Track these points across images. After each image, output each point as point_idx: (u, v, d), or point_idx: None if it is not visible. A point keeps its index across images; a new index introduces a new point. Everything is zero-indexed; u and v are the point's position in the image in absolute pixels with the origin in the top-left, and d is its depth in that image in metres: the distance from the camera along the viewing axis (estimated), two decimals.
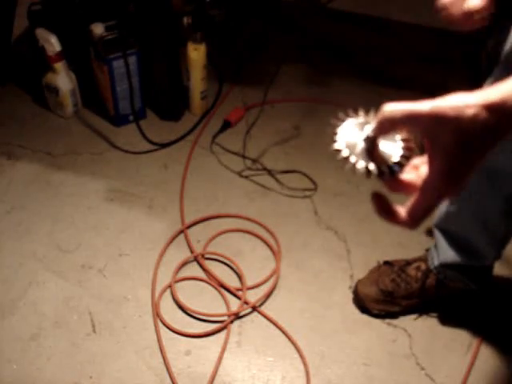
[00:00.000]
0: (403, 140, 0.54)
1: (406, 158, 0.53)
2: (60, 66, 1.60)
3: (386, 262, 1.28)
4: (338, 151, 0.54)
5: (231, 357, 1.19)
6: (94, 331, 1.21)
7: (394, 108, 0.49)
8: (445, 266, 1.19)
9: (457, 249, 1.15)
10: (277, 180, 1.55)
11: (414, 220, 0.51)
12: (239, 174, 1.56)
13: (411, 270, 1.23)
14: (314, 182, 1.55)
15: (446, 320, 1.26)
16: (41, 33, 1.55)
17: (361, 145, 0.54)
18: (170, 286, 1.29)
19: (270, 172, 1.57)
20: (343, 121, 0.56)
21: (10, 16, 1.71)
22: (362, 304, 1.27)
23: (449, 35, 2.05)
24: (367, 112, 0.56)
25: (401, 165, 0.52)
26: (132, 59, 1.55)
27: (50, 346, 1.18)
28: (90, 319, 1.23)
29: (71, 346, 1.19)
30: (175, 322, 1.23)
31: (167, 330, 1.22)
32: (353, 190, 1.54)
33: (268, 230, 1.43)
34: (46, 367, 1.15)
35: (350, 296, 1.30)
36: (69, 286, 1.29)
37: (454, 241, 1.16)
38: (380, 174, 0.52)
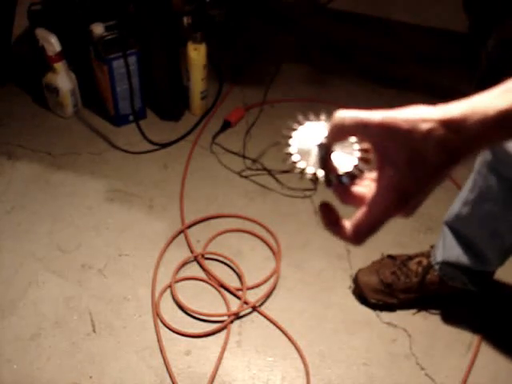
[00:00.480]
0: (361, 150, 0.50)
1: (360, 169, 0.49)
2: (60, 66, 1.60)
3: (390, 256, 1.29)
4: (289, 155, 0.51)
5: (231, 357, 1.19)
6: (94, 331, 1.21)
7: (344, 115, 0.45)
8: (447, 264, 1.19)
9: (463, 249, 1.16)
10: (277, 180, 1.55)
11: (358, 236, 0.47)
12: (239, 173, 1.56)
13: (412, 265, 1.25)
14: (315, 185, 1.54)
15: (446, 320, 1.26)
16: (41, 33, 1.55)
17: (313, 151, 0.51)
18: (169, 286, 1.29)
19: (269, 172, 1.57)
20: (301, 124, 0.52)
21: (10, 16, 1.71)
22: (360, 292, 1.28)
23: (449, 35, 2.05)
24: (328, 116, 0.52)
25: (353, 176, 0.49)
26: (132, 59, 1.55)
27: (49, 345, 1.18)
28: (89, 319, 1.23)
29: (71, 345, 1.19)
30: (175, 322, 1.23)
31: (167, 330, 1.22)
32: None
33: (268, 230, 1.43)
34: (46, 367, 1.15)
35: (350, 296, 1.30)
36: (69, 286, 1.29)
37: (461, 241, 1.16)
38: (327, 182, 0.49)
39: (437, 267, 1.21)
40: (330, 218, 0.50)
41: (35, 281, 1.29)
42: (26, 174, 1.53)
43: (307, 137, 0.51)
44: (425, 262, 1.24)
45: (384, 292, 1.25)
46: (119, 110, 1.64)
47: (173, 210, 1.46)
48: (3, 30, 1.71)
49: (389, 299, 1.26)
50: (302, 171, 0.50)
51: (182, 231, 1.41)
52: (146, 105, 1.70)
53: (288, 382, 1.16)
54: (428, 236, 1.41)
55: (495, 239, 1.10)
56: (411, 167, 0.42)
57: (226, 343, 1.20)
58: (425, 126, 0.41)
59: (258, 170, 1.57)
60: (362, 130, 0.44)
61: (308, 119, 0.53)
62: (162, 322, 1.23)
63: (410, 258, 1.26)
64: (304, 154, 0.51)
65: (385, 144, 0.43)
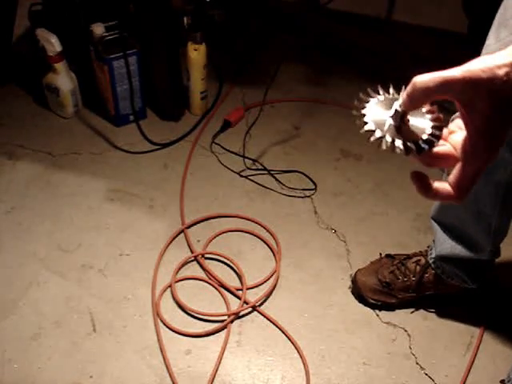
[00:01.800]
0: (431, 115, 0.52)
1: (436, 135, 0.51)
2: (60, 66, 1.60)
3: (388, 255, 1.30)
4: (365, 125, 0.51)
5: (231, 356, 1.19)
6: (95, 331, 1.21)
7: (426, 78, 0.47)
8: (442, 259, 1.20)
9: (453, 240, 1.16)
10: (277, 180, 1.55)
11: (463, 191, 0.50)
12: (239, 173, 1.57)
13: (411, 264, 1.25)
14: (313, 182, 1.55)
15: (446, 319, 1.27)
16: (41, 33, 1.55)
17: (389, 121, 0.51)
18: (170, 286, 1.30)
19: (269, 172, 1.57)
20: (371, 97, 0.54)
21: (10, 16, 1.71)
22: (359, 292, 1.28)
23: (449, 35, 2.05)
24: (396, 89, 0.54)
25: (430, 142, 0.50)
26: (132, 59, 1.55)
27: (50, 345, 1.18)
28: (90, 319, 1.23)
29: (71, 345, 1.19)
30: (175, 322, 1.23)
31: (167, 330, 1.22)
32: (353, 189, 1.54)
33: (268, 230, 1.43)
34: (46, 367, 1.15)
35: (350, 296, 1.30)
36: (69, 286, 1.29)
37: (450, 232, 1.17)
38: (406, 150, 0.50)
39: (434, 265, 1.22)
40: (424, 185, 0.51)
41: (35, 281, 1.29)
42: (27, 173, 1.53)
43: (378, 109, 0.52)
44: (423, 261, 1.24)
45: (383, 292, 1.26)
46: (119, 109, 1.64)
47: (173, 210, 1.46)
48: (4, 30, 1.71)
49: (388, 299, 1.26)
50: (380, 140, 0.50)
51: (181, 231, 1.41)
52: (146, 105, 1.70)
53: (288, 382, 1.16)
54: (428, 236, 1.41)
55: (481, 220, 1.10)
56: (500, 111, 0.45)
57: (225, 343, 1.20)
58: (502, 71, 0.45)
59: (257, 169, 1.58)
60: (447, 89, 0.47)
61: (376, 92, 0.54)
62: (162, 321, 1.23)
63: (409, 257, 1.27)
64: (378, 123, 0.51)
65: (470, 96, 0.46)
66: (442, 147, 0.52)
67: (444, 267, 1.21)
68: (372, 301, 1.26)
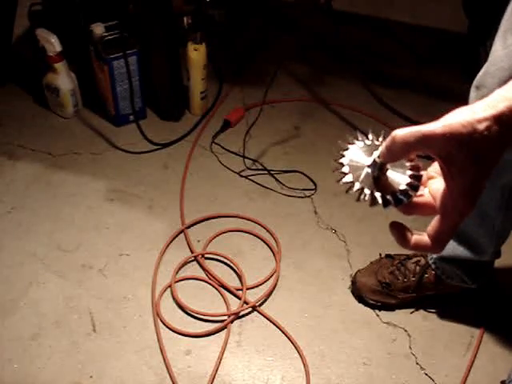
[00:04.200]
0: (410, 163, 0.51)
1: (414, 184, 0.50)
2: (60, 66, 1.60)
3: (388, 255, 1.29)
4: (343, 175, 0.51)
5: (231, 357, 1.19)
6: (95, 331, 1.21)
7: (405, 132, 0.46)
8: (442, 260, 1.20)
9: (455, 241, 1.16)
10: (277, 180, 1.55)
11: (441, 244, 0.50)
12: (239, 173, 1.57)
13: (410, 264, 1.25)
14: (313, 182, 1.55)
15: (446, 320, 1.27)
16: (41, 33, 1.55)
17: (366, 170, 0.51)
18: (170, 286, 1.30)
19: (269, 172, 1.57)
20: (350, 143, 0.53)
21: (10, 16, 1.71)
22: (358, 293, 1.28)
23: (448, 35, 2.05)
24: (376, 135, 0.53)
25: (408, 192, 0.50)
26: (132, 59, 1.55)
27: (50, 345, 1.18)
28: (90, 319, 1.23)
29: (71, 345, 1.19)
30: (175, 322, 1.23)
31: (167, 330, 1.22)
32: None
33: (268, 230, 1.43)
34: (46, 367, 1.15)
35: (350, 296, 1.30)
36: (69, 286, 1.29)
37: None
38: (384, 203, 0.50)
39: (433, 265, 1.22)
40: (404, 238, 0.51)
41: (36, 281, 1.29)
42: (27, 174, 1.53)
43: (357, 156, 0.52)
44: (423, 261, 1.24)
45: (382, 292, 1.26)
46: (119, 109, 1.64)
47: (173, 210, 1.46)
48: (4, 30, 1.71)
49: (387, 299, 1.26)
50: (359, 192, 0.50)
51: (181, 231, 1.41)
52: (146, 105, 1.70)
53: (288, 382, 1.16)
54: None
55: (484, 222, 1.10)
56: (479, 165, 0.45)
57: (225, 343, 1.20)
58: (482, 126, 0.44)
59: (257, 169, 1.58)
60: (427, 144, 0.46)
61: (356, 138, 0.53)
62: (162, 321, 1.23)
63: (408, 257, 1.27)
64: (356, 173, 0.51)
65: (450, 152, 0.45)
66: (420, 198, 0.52)
67: (444, 268, 1.21)
68: (372, 301, 1.27)
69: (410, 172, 0.51)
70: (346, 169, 0.51)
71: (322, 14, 2.11)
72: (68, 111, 1.68)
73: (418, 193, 0.51)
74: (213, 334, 1.22)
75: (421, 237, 0.51)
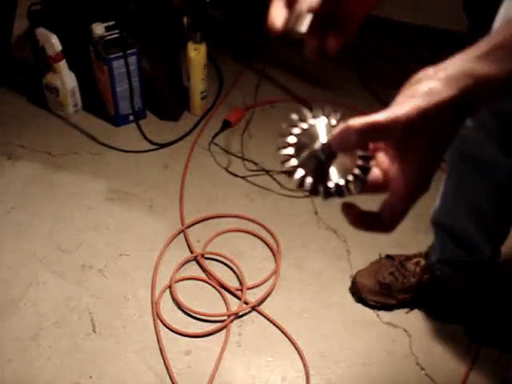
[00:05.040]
0: (361, 157, 0.46)
1: (365, 167, 0.46)
2: (60, 66, 1.60)
3: (388, 256, 1.29)
4: (288, 158, 0.46)
5: (231, 357, 1.19)
6: (94, 331, 1.21)
7: (361, 122, 0.43)
8: (442, 262, 1.20)
9: (453, 243, 1.16)
10: (277, 180, 1.55)
11: (394, 224, 0.47)
12: (239, 173, 1.56)
13: (410, 265, 1.25)
14: None
15: (446, 320, 1.26)
16: (41, 33, 1.55)
17: (313, 154, 0.46)
18: (169, 286, 1.29)
19: (269, 172, 1.57)
20: (302, 120, 0.48)
21: (10, 16, 1.71)
22: (358, 294, 1.28)
23: (449, 35, 2.05)
24: (334, 113, 0.48)
25: (360, 177, 0.46)
26: (132, 59, 1.55)
27: (50, 345, 1.18)
28: (90, 319, 1.23)
29: (71, 345, 1.19)
30: (175, 322, 1.23)
31: (167, 330, 1.22)
32: None
33: (268, 230, 1.43)
34: (46, 367, 1.15)
35: (350, 296, 1.30)
36: (69, 286, 1.29)
37: (450, 235, 1.17)
38: (326, 194, 0.46)
39: (433, 267, 1.22)
40: (355, 215, 0.48)
41: (35, 281, 1.29)
42: (27, 174, 1.53)
43: (306, 137, 0.47)
44: (423, 262, 1.24)
45: (382, 293, 1.25)
46: (119, 109, 1.64)
47: (173, 210, 1.46)
48: (3, 30, 1.71)
49: (387, 300, 1.26)
50: (302, 179, 0.46)
51: (181, 231, 1.41)
52: (146, 105, 1.70)
53: (288, 382, 1.16)
54: (428, 236, 1.40)
55: (481, 223, 1.10)
56: (434, 153, 0.44)
57: (225, 343, 1.20)
58: (438, 112, 0.42)
59: (257, 170, 1.58)
60: (382, 135, 0.44)
61: (312, 114, 0.48)
62: (161, 322, 1.23)
63: (408, 258, 1.26)
64: (302, 156, 0.46)
65: (404, 140, 0.44)
66: (372, 176, 0.48)
67: (444, 269, 1.21)
68: (372, 302, 1.26)
69: (359, 161, 0.46)
70: (291, 150, 0.46)
71: None
72: (68, 111, 1.68)
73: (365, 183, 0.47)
74: (213, 334, 1.22)
75: (373, 216, 0.48)
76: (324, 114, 0.48)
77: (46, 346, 1.18)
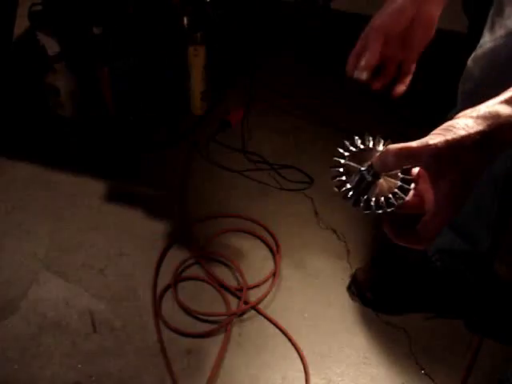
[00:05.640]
0: (403, 175, 0.56)
1: (403, 192, 0.55)
2: (60, 66, 1.60)
3: (387, 254, 1.30)
4: (338, 174, 0.57)
5: (231, 357, 1.19)
6: (95, 331, 1.21)
7: (397, 148, 0.52)
8: (442, 252, 1.20)
9: (453, 233, 1.16)
10: (277, 180, 1.55)
11: (427, 241, 0.55)
12: (239, 173, 1.57)
13: (410, 259, 1.25)
14: (314, 182, 1.55)
15: (446, 320, 1.26)
16: (41, 33, 1.55)
17: (360, 174, 0.56)
18: (170, 286, 1.29)
19: (269, 172, 1.57)
20: (348, 147, 0.58)
21: (10, 16, 1.71)
22: (358, 289, 1.28)
23: (448, 36, 2.05)
24: (373, 139, 0.58)
25: (397, 200, 0.55)
26: (132, 60, 1.55)
27: (50, 345, 1.18)
28: (90, 319, 1.23)
29: (72, 345, 1.19)
30: (175, 322, 1.23)
31: (167, 330, 1.22)
32: None
33: (268, 230, 1.43)
34: (46, 367, 1.15)
35: (350, 296, 1.30)
36: (69, 286, 1.29)
37: (450, 225, 1.17)
38: (376, 207, 0.54)
39: (434, 258, 1.22)
40: (395, 231, 0.57)
41: (36, 281, 1.29)
42: (27, 174, 1.53)
43: (354, 160, 0.57)
44: (421, 255, 1.24)
45: (382, 289, 1.25)
46: (119, 110, 1.64)
47: (173, 210, 1.46)
48: (4, 30, 1.71)
49: (388, 296, 1.26)
50: (355, 198, 0.55)
51: (182, 231, 1.41)
52: (146, 105, 1.70)
53: (288, 382, 1.16)
54: None
55: (480, 213, 1.10)
56: (465, 181, 0.51)
57: (226, 343, 1.20)
58: (470, 144, 0.49)
59: (257, 170, 1.58)
60: (416, 160, 0.52)
61: (353, 143, 0.58)
62: (162, 321, 1.23)
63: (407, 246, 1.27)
64: (350, 175, 0.56)
65: (437, 167, 0.51)
66: (407, 199, 0.56)
67: (444, 260, 1.21)
68: (372, 298, 1.26)
69: (399, 182, 0.55)
70: (341, 169, 0.56)
71: (320, 14, 2.11)
72: (68, 111, 1.68)
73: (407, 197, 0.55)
74: (213, 334, 1.22)
75: (411, 232, 0.56)
76: (374, 141, 0.58)
77: (46, 345, 1.18)
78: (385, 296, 1.26)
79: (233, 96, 1.80)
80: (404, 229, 0.56)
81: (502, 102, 0.50)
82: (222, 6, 1.93)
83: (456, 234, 1.16)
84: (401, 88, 0.87)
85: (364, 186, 0.55)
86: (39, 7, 1.65)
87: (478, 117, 0.50)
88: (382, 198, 0.54)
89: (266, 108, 1.76)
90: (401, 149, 0.51)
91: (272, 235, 1.42)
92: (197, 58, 1.60)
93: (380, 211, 0.54)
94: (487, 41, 0.89)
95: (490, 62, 0.88)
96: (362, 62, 0.86)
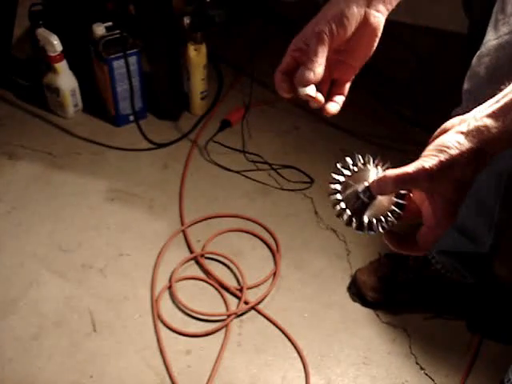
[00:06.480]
0: (398, 195, 0.58)
1: (400, 204, 0.57)
2: (60, 66, 1.60)
3: (387, 255, 1.29)
4: (335, 192, 0.58)
5: (231, 357, 1.19)
6: (95, 331, 1.21)
7: (394, 173, 0.54)
8: (441, 253, 1.20)
9: (454, 233, 1.16)
10: (277, 180, 1.55)
11: (426, 249, 0.59)
12: (239, 173, 1.57)
13: (410, 261, 1.25)
14: (314, 182, 1.55)
15: (446, 320, 1.26)
16: (41, 33, 1.55)
17: (357, 194, 0.57)
18: (170, 286, 1.30)
19: (269, 172, 1.57)
20: (342, 172, 0.59)
21: (10, 16, 1.71)
22: (358, 291, 1.28)
23: (449, 35, 2.05)
24: (373, 159, 0.60)
25: (389, 221, 0.57)
26: (132, 59, 1.55)
27: (50, 345, 1.18)
28: (90, 319, 1.23)
29: (72, 345, 1.19)
30: (175, 322, 1.23)
31: (167, 330, 1.22)
32: None
33: (268, 230, 1.43)
34: (46, 367, 1.15)
35: (350, 295, 1.30)
36: (69, 286, 1.29)
37: (453, 225, 1.16)
38: (369, 228, 0.57)
39: (433, 260, 1.22)
40: (396, 241, 0.60)
41: (36, 281, 1.30)
42: (27, 174, 1.53)
43: (353, 179, 0.58)
44: (421, 257, 1.24)
45: (382, 291, 1.25)
46: (119, 110, 1.64)
47: (173, 210, 1.46)
48: (4, 30, 1.71)
49: (388, 298, 1.26)
50: (341, 212, 0.57)
51: (181, 231, 1.41)
52: (146, 105, 1.70)
53: (288, 382, 1.16)
54: None
55: (483, 212, 1.09)
56: (459, 193, 0.54)
57: (225, 343, 1.20)
58: (462, 161, 0.52)
59: (257, 169, 1.58)
60: (412, 185, 0.55)
61: (354, 162, 0.59)
62: (162, 321, 1.23)
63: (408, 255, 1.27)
64: (346, 193, 0.57)
65: (433, 188, 0.54)
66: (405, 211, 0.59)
67: (444, 262, 1.21)
68: (371, 299, 1.26)
69: (395, 200, 0.58)
70: (338, 187, 0.58)
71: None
72: (68, 111, 1.68)
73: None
74: (213, 333, 1.22)
75: (411, 242, 0.59)
76: (373, 162, 0.60)
77: (46, 345, 1.18)
78: (385, 296, 1.26)
79: (233, 96, 1.80)
80: (404, 240, 0.59)
81: (489, 116, 0.51)
82: (222, 6, 1.93)
83: (457, 234, 1.16)
84: (335, 108, 0.76)
85: (359, 205, 0.57)
86: (39, 7, 1.66)
87: (468, 133, 0.51)
88: (375, 221, 0.57)
89: (266, 108, 1.76)
90: (398, 175, 0.53)
91: (272, 235, 1.42)
92: (197, 58, 1.60)
93: (372, 232, 0.57)
94: (491, 38, 0.89)
95: (494, 59, 0.88)
96: (309, 75, 0.69)
